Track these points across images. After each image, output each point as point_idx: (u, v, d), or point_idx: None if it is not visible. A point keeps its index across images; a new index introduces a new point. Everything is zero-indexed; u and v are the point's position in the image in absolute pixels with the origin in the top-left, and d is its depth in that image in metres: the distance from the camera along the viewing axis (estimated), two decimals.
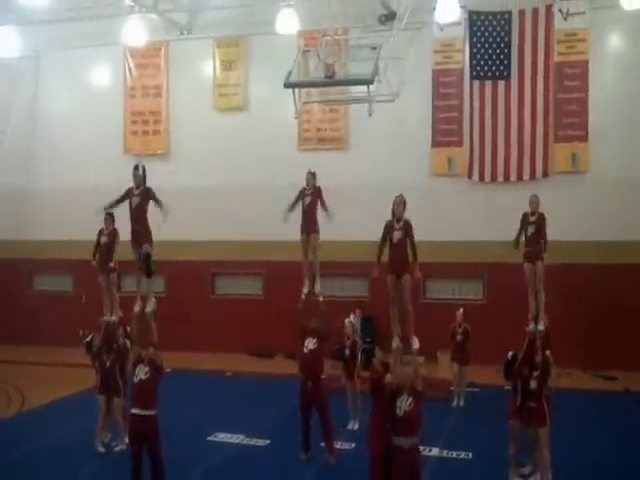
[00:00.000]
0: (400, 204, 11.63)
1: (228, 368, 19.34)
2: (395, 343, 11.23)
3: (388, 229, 11.66)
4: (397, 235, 11.55)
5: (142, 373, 10.77)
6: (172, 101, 22.39)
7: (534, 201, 13.01)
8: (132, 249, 12.49)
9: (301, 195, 13.72)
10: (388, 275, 11.68)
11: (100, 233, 13.71)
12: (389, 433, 9.37)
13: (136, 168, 12.59)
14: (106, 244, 13.50)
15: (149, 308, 12.19)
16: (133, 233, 12.48)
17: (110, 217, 13.58)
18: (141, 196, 12.43)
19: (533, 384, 11.16)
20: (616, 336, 18.14)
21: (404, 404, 9.34)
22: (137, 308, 12.37)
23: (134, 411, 10.67)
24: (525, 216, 13.01)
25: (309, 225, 13.59)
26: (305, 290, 13.59)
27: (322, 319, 12.92)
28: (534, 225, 12.91)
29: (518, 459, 11.41)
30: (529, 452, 11.44)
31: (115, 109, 22.58)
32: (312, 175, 13.80)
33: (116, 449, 12.83)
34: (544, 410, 11.10)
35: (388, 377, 9.49)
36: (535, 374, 11.20)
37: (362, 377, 14.11)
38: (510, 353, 11.61)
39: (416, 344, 11.30)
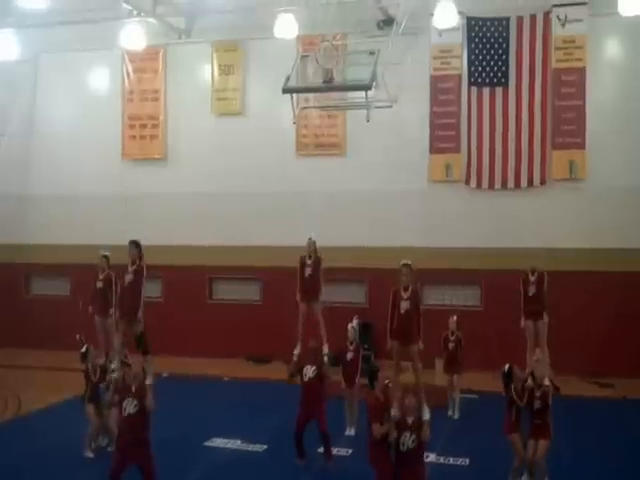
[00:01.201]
0: (408, 275, 11.31)
1: (225, 373, 19.30)
2: (394, 413, 10.29)
3: (395, 297, 11.34)
4: (404, 305, 11.24)
5: (131, 407, 10.26)
6: (170, 105, 22.37)
7: (533, 265, 13.14)
8: (120, 323, 12.14)
9: (302, 265, 13.61)
10: (393, 344, 11.41)
11: (96, 277, 13.60)
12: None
13: (132, 243, 11.95)
14: (101, 289, 13.38)
15: (148, 381, 11.66)
16: (123, 307, 12.02)
17: (105, 259, 13.48)
18: (135, 274, 11.79)
19: (537, 404, 11.12)
20: (613, 343, 18.13)
21: (408, 441, 9.29)
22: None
23: (125, 438, 10.29)
24: (526, 277, 13.09)
25: (310, 294, 13.50)
26: (296, 352, 13.40)
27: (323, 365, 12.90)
28: (535, 285, 13.06)
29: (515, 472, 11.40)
30: (526, 461, 11.39)
31: (113, 113, 22.55)
32: (313, 242, 13.64)
33: (109, 449, 12.67)
34: (548, 425, 11.14)
35: (394, 412, 9.39)
36: (538, 394, 11.14)
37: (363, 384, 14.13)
38: (506, 366, 11.54)
39: (427, 415, 10.59)
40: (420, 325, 11.42)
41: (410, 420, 9.58)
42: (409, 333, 11.28)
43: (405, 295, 11.27)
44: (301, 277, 13.57)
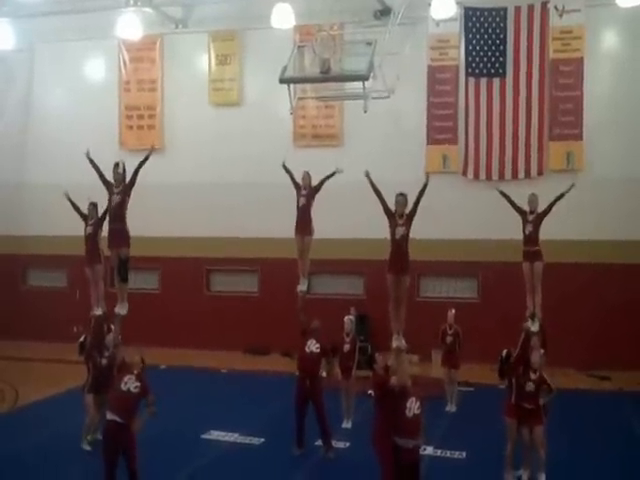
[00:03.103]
0: (403, 205, 11.56)
1: (223, 365, 19.31)
2: (395, 342, 11.20)
3: (392, 221, 11.58)
4: (400, 231, 11.45)
5: (132, 386, 10.21)
6: (167, 95, 22.31)
7: (533, 200, 12.92)
8: (108, 249, 12.29)
9: (297, 189, 13.65)
10: (388, 274, 11.62)
11: (85, 223, 13.53)
12: (393, 434, 9.35)
13: (117, 166, 12.29)
14: (91, 235, 13.34)
15: (122, 312, 11.91)
16: (111, 233, 12.20)
17: (93, 207, 13.44)
18: (121, 194, 12.10)
19: (530, 386, 11.13)
20: (610, 336, 18.17)
21: (414, 406, 9.31)
22: (117, 309, 12.23)
23: (113, 418, 10.10)
24: (524, 215, 12.95)
25: (303, 226, 13.52)
26: (299, 288, 13.55)
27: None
28: (533, 225, 12.85)
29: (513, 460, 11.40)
30: (523, 451, 11.41)
31: (110, 103, 22.50)
32: (308, 176, 13.67)
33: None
34: (540, 410, 11.12)
35: (393, 380, 9.43)
36: (533, 376, 11.16)
37: (359, 376, 14.17)
38: (504, 351, 11.58)
39: (403, 342, 11.25)
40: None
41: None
42: (403, 262, 11.51)
43: (401, 221, 11.43)
44: (296, 209, 13.60)
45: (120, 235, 12.02)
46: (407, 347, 11.40)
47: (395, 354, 10.85)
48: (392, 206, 11.68)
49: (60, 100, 23.06)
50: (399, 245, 11.50)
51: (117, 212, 12.10)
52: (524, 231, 12.96)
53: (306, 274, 13.66)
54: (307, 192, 13.52)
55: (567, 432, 12.92)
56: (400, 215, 11.53)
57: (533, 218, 12.86)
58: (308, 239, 13.50)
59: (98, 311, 13.01)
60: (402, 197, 11.62)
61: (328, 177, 13.54)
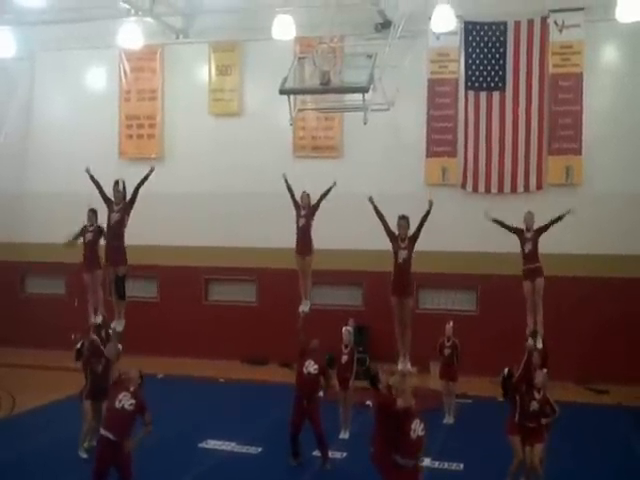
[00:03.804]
0: (405, 228, 11.70)
1: (221, 375, 19.29)
2: (401, 365, 11.20)
3: (394, 243, 11.71)
4: (402, 254, 11.54)
5: (127, 403, 10.04)
6: (167, 105, 22.35)
7: (529, 218, 13.02)
8: (106, 266, 12.35)
9: (297, 208, 13.77)
10: (392, 296, 11.68)
11: (84, 230, 13.54)
12: (394, 453, 9.33)
13: (117, 184, 12.39)
14: (91, 242, 13.36)
15: (119, 328, 11.96)
16: (109, 250, 12.29)
17: (93, 213, 13.46)
18: (121, 212, 12.21)
19: (534, 406, 11.08)
20: (609, 349, 18.18)
21: (418, 428, 9.31)
22: (113, 325, 12.29)
23: (106, 435, 9.94)
24: (521, 233, 12.99)
25: (303, 247, 13.64)
26: (301, 308, 13.65)
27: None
28: (531, 242, 12.91)
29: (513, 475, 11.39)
30: (525, 467, 11.39)
31: (110, 112, 22.52)
32: (307, 196, 13.81)
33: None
34: (542, 428, 11.12)
35: (400, 402, 9.41)
36: (537, 396, 11.12)
37: (357, 387, 14.18)
38: (506, 369, 11.57)
39: (409, 366, 11.36)
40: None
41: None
42: (406, 284, 11.68)
43: (403, 245, 11.54)
44: (296, 229, 13.69)
45: (118, 252, 12.10)
46: (414, 370, 11.42)
47: (400, 378, 10.82)
48: (394, 229, 11.81)
49: (61, 109, 23.10)
50: (402, 268, 11.63)
51: (116, 230, 12.18)
52: (523, 249, 13.02)
53: (308, 295, 13.77)
54: (306, 212, 13.64)
55: (565, 445, 12.91)
56: (402, 238, 11.67)
57: (531, 235, 12.94)
58: (309, 259, 13.64)
59: (97, 319, 13.03)
60: (404, 220, 11.75)
61: (325, 194, 13.71)
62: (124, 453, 9.93)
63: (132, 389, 10.21)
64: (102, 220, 12.82)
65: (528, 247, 12.94)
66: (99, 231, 13.21)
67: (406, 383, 10.06)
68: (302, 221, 13.62)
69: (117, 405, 10.07)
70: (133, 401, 10.10)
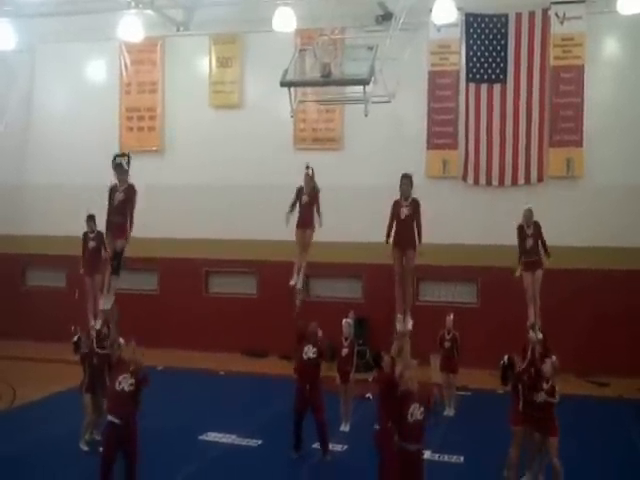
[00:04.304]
0: (408, 185, 11.99)
1: (221, 367, 19.30)
2: (399, 324, 11.31)
3: (396, 205, 11.96)
4: (405, 211, 11.82)
5: (127, 384, 10.16)
6: (168, 97, 22.32)
7: (528, 215, 13.20)
8: (107, 240, 11.87)
9: (299, 194, 13.68)
10: (393, 249, 11.89)
11: (86, 237, 13.48)
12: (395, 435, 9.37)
13: (119, 166, 11.35)
14: (95, 248, 13.32)
15: (107, 305, 11.49)
16: (110, 224, 11.64)
17: (92, 219, 13.39)
18: (125, 192, 11.41)
19: (542, 397, 10.90)
20: (610, 342, 18.16)
21: (417, 412, 9.32)
22: (101, 302, 11.91)
23: (112, 420, 10.15)
24: (521, 229, 13.11)
25: (305, 220, 13.55)
26: (292, 282, 13.40)
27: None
28: (532, 238, 13.14)
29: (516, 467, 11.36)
30: (529, 458, 11.36)
31: (110, 104, 22.48)
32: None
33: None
34: (554, 420, 10.95)
35: (399, 371, 9.45)
36: (545, 386, 10.95)
37: (357, 380, 14.20)
38: (505, 357, 11.55)
39: (410, 325, 11.48)
40: (420, 232, 12.02)
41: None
42: (409, 238, 11.85)
43: (405, 203, 11.86)
44: (299, 206, 13.64)
45: (118, 228, 11.54)
46: (410, 330, 11.49)
47: (399, 338, 10.86)
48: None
49: (61, 101, 23.07)
50: (404, 223, 11.88)
51: (120, 209, 11.49)
52: (525, 245, 13.17)
53: (301, 271, 13.51)
54: (309, 192, 13.60)
55: (566, 438, 12.78)
56: (405, 198, 11.98)
57: (532, 233, 13.09)
58: (310, 232, 13.52)
59: (97, 324, 12.86)
60: (406, 179, 12.08)
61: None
62: (132, 434, 10.10)
63: (132, 368, 10.25)
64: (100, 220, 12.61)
65: (530, 243, 13.23)
66: (100, 237, 13.15)
67: (405, 343, 10.16)
68: (305, 198, 13.55)
69: (117, 387, 10.18)
70: (132, 381, 10.17)
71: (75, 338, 13.23)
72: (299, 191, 13.63)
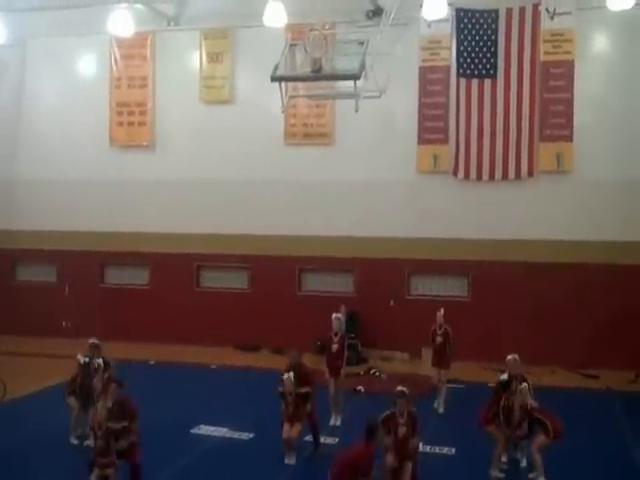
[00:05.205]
0: (404, 404, 10.53)
1: (213, 361, 19.30)
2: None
3: (390, 422, 10.49)
4: (402, 430, 10.47)
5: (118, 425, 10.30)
6: (158, 92, 22.28)
7: (514, 364, 12.01)
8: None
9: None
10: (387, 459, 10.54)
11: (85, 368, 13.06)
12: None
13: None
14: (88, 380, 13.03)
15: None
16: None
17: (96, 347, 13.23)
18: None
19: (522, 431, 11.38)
20: (599, 335, 18.26)
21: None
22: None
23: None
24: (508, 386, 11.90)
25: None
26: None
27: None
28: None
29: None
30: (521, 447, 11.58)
31: (101, 99, 22.44)
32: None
33: (86, 443, 12.32)
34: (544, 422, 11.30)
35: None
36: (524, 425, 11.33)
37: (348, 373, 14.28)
38: (505, 376, 11.75)
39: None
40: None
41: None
42: (404, 456, 10.44)
43: (402, 420, 10.53)
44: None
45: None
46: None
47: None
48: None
49: (51, 96, 23.00)
50: (401, 444, 10.44)
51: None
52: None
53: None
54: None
55: None
56: (401, 414, 10.54)
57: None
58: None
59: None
60: (402, 398, 10.54)
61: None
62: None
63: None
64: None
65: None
66: (99, 369, 12.97)
67: None
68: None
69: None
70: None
71: (82, 361, 13.06)
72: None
